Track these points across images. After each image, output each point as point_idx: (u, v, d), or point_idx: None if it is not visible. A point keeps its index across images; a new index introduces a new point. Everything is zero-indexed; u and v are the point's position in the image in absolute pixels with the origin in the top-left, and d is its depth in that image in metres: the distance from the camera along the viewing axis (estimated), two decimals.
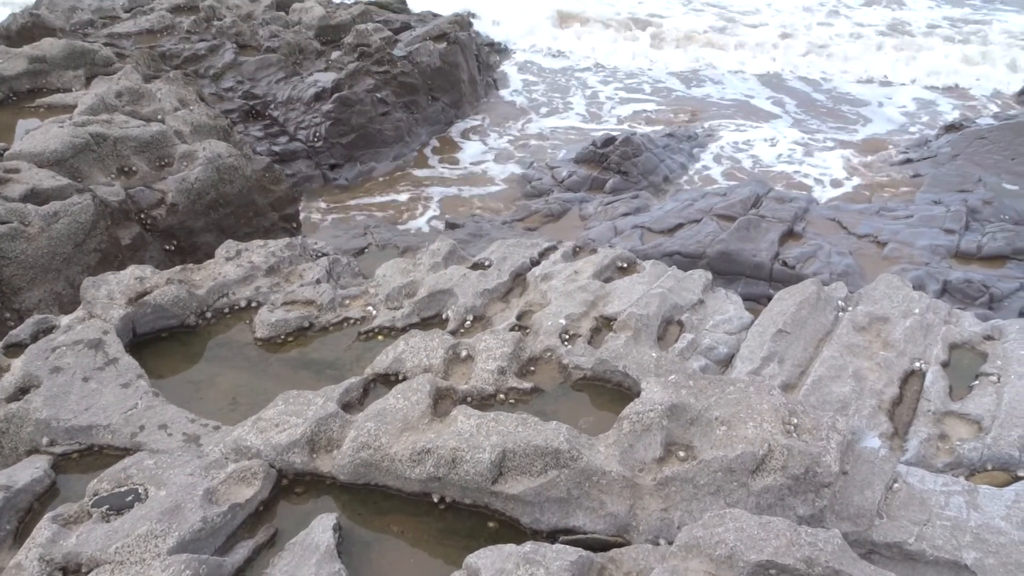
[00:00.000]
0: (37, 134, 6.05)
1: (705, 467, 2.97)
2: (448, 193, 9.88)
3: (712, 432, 3.10)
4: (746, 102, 13.15)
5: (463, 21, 12.55)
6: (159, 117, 6.75)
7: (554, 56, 14.82)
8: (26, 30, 9.88)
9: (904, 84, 13.52)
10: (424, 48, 11.50)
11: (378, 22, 12.05)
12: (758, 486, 2.92)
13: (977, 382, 3.88)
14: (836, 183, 10.16)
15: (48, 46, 7.59)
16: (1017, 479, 3.32)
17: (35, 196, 5.35)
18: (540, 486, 2.99)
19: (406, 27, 12.47)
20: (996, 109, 12.84)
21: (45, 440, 3.50)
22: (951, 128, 11.22)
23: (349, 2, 13.39)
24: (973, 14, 17.38)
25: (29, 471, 3.30)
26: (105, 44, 9.16)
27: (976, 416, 3.63)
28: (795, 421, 3.10)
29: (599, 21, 15.94)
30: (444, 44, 11.81)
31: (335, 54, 11.15)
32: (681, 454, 3.10)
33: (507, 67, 14.20)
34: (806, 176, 10.42)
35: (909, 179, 9.34)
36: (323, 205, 9.42)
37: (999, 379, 3.84)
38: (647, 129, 11.64)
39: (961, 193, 8.50)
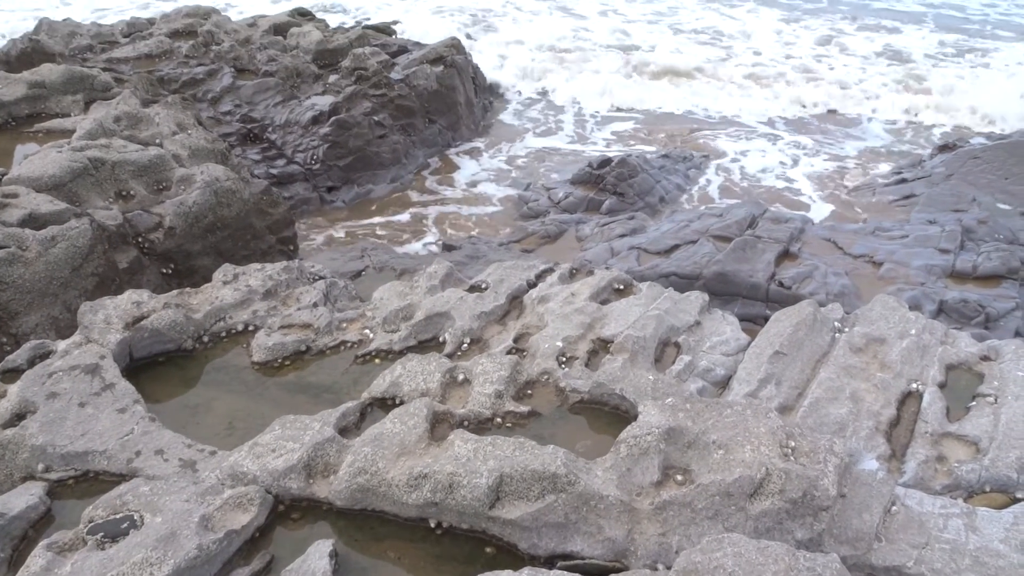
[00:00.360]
0: (35, 159, 6.07)
1: (703, 491, 2.97)
2: (445, 215, 9.92)
3: (710, 456, 3.09)
4: (732, 119, 13.25)
5: (459, 45, 12.65)
6: (157, 141, 6.78)
7: (544, 75, 14.82)
8: (25, 55, 9.96)
9: (910, 121, 13.37)
10: (421, 71, 11.59)
11: (375, 46, 12.15)
12: (756, 510, 2.92)
13: (974, 403, 3.89)
14: (829, 201, 10.24)
15: (47, 71, 7.64)
16: (1016, 501, 3.32)
17: (33, 221, 5.36)
18: (538, 511, 2.98)
19: (403, 51, 12.57)
20: (989, 129, 12.94)
21: (40, 466, 3.48)
22: (945, 148, 11.30)
23: (346, 27, 13.51)
24: (968, 40, 17.39)
25: (24, 498, 3.29)
26: (104, 69, 9.22)
27: (974, 437, 3.63)
28: (792, 444, 3.10)
29: (589, 51, 15.84)
30: (441, 67, 11.90)
31: (332, 78, 11.23)
32: (679, 478, 3.09)
33: (502, 89, 14.27)
34: (799, 194, 10.48)
35: (902, 199, 9.39)
36: (320, 228, 9.44)
37: (996, 400, 3.85)
38: (640, 148, 11.72)
39: (956, 213, 8.55)
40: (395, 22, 14.07)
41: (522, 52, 15.53)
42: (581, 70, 14.64)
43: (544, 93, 13.91)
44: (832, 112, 13.45)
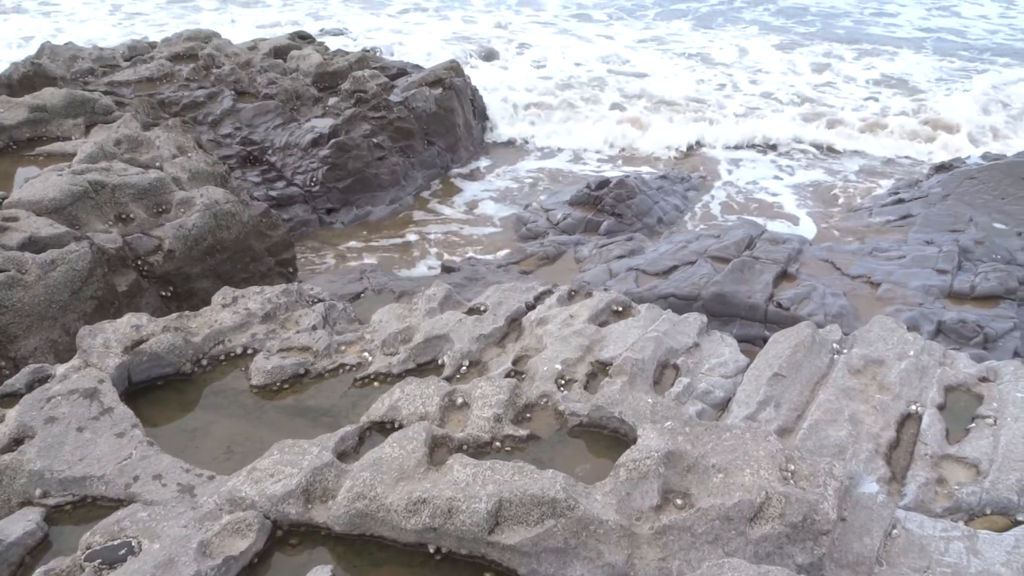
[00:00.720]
0: (36, 182, 6.10)
1: (703, 515, 2.96)
2: (444, 236, 9.95)
3: (709, 480, 3.09)
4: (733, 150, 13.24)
5: (458, 67, 12.75)
6: (157, 164, 6.81)
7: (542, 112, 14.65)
8: (27, 79, 10.03)
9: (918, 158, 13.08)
10: (420, 94, 11.67)
11: (374, 68, 12.23)
12: (756, 534, 2.91)
13: (974, 425, 3.89)
14: (823, 221, 10.29)
15: (49, 95, 7.69)
16: (1017, 524, 3.31)
17: (33, 244, 5.38)
18: (537, 536, 2.97)
19: (402, 73, 12.66)
20: (985, 148, 12.98)
21: (38, 492, 3.47)
22: (941, 168, 11.34)
23: (347, 50, 13.62)
24: (968, 66, 17.10)
25: (21, 524, 3.27)
26: (105, 92, 9.27)
27: (974, 459, 3.62)
28: (792, 468, 3.09)
29: (590, 84, 15.39)
30: (440, 90, 11.97)
31: (332, 100, 11.29)
32: (678, 502, 3.09)
33: (501, 112, 14.29)
34: (794, 214, 10.54)
35: (899, 220, 9.42)
36: (319, 249, 9.47)
37: (995, 421, 3.85)
38: (638, 169, 11.77)
39: (953, 233, 8.57)
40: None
41: (521, 81, 15.16)
42: (580, 114, 13.83)
43: (528, 140, 13.35)
44: (832, 149, 13.05)
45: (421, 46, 17.03)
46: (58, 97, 7.67)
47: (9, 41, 17.33)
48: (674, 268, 7.62)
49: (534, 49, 17.86)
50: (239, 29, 18.56)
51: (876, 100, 14.89)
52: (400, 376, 4.28)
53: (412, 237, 9.91)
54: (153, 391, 4.26)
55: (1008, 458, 3.55)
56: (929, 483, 3.51)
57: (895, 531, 3.13)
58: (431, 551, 3.11)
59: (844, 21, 21.10)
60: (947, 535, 3.14)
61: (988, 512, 3.38)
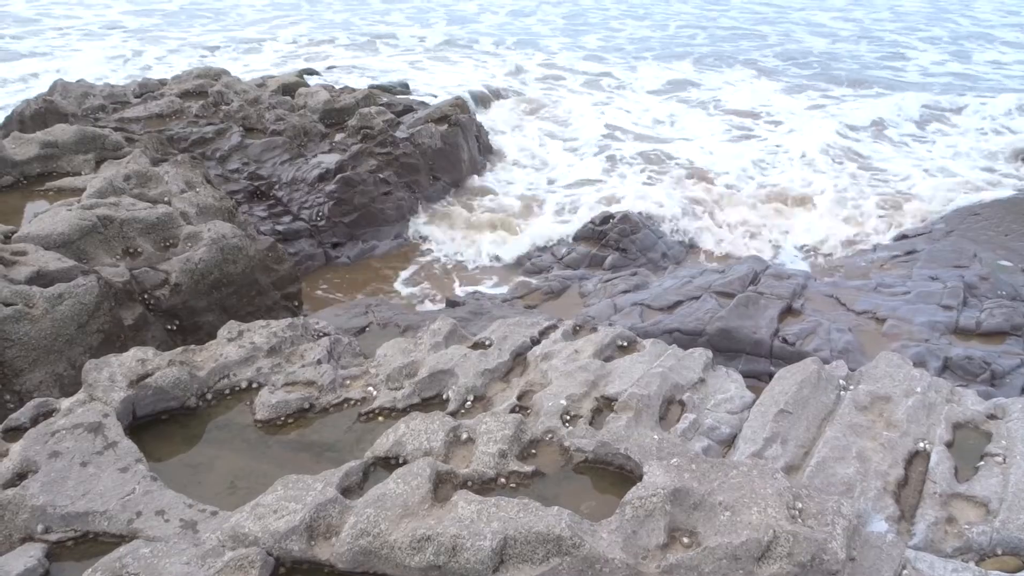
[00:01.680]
0: (45, 217, 6.15)
1: (710, 554, 2.93)
2: (448, 270, 9.98)
3: (716, 517, 3.06)
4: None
5: (463, 104, 12.91)
6: (166, 199, 6.88)
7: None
8: (39, 115, 10.18)
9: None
10: (426, 130, 11.81)
11: (381, 105, 12.39)
12: (764, 574, 2.87)
13: (983, 463, 3.85)
14: (828, 254, 10.31)
15: (60, 132, 7.79)
16: None
17: (41, 278, 5.41)
18: (542, 574, 2.93)
19: (408, 110, 12.83)
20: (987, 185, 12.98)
21: (40, 527, 3.45)
22: None
23: (353, 87, 13.81)
24: (962, 102, 17.00)
25: (23, 560, 3.25)
26: (115, 128, 9.41)
27: (983, 498, 3.58)
28: (799, 506, 3.07)
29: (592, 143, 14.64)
30: (445, 126, 12.12)
31: (339, 136, 11.43)
32: (685, 540, 3.06)
33: (504, 147, 14.37)
34: (799, 251, 10.57)
35: (904, 255, 9.43)
36: (325, 284, 9.50)
37: (1004, 459, 3.81)
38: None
39: (957, 269, 8.58)
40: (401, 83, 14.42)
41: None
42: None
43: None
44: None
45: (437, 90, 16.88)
46: (69, 133, 7.78)
47: (19, 77, 17.58)
48: (679, 303, 7.62)
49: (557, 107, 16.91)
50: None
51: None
52: (405, 411, 4.27)
53: (416, 270, 9.95)
54: (157, 425, 4.25)
55: (1018, 497, 3.51)
56: (939, 522, 3.47)
57: (905, 571, 3.09)
58: None
59: (851, 64, 21.10)
60: None
61: (999, 552, 3.34)
